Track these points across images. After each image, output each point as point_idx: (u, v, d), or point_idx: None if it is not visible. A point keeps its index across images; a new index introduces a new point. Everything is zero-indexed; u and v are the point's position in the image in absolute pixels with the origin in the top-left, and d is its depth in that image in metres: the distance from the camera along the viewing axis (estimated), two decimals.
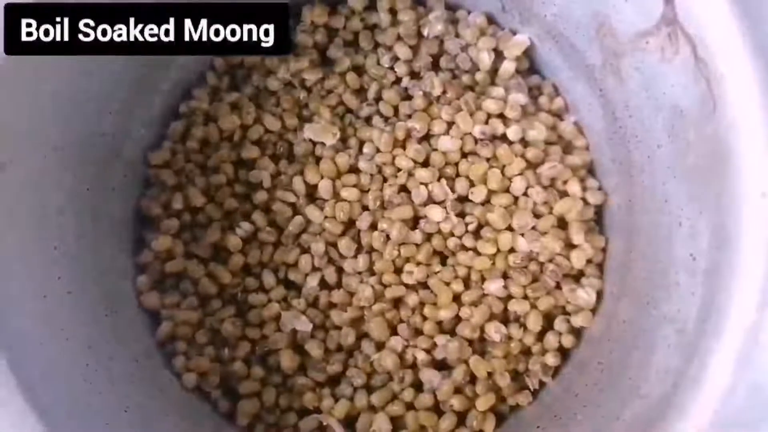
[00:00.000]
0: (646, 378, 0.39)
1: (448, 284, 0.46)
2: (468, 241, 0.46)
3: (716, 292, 0.35)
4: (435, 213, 0.46)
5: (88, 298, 0.42)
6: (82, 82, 0.41)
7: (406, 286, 0.46)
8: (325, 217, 0.47)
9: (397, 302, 0.47)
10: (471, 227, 0.46)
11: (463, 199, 0.47)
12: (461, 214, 0.47)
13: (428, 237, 0.47)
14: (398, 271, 0.47)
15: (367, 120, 0.49)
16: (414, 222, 0.47)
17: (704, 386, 0.34)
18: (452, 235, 0.47)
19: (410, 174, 0.47)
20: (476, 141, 0.47)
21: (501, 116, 0.47)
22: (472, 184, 0.47)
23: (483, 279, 0.46)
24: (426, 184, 0.47)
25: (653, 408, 0.37)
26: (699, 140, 0.37)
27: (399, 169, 0.47)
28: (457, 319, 0.46)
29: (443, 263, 0.47)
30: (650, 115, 0.41)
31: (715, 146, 0.36)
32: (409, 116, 0.48)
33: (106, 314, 0.43)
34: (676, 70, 0.38)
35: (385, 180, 0.48)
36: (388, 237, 0.46)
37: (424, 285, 0.46)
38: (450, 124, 0.47)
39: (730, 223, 0.35)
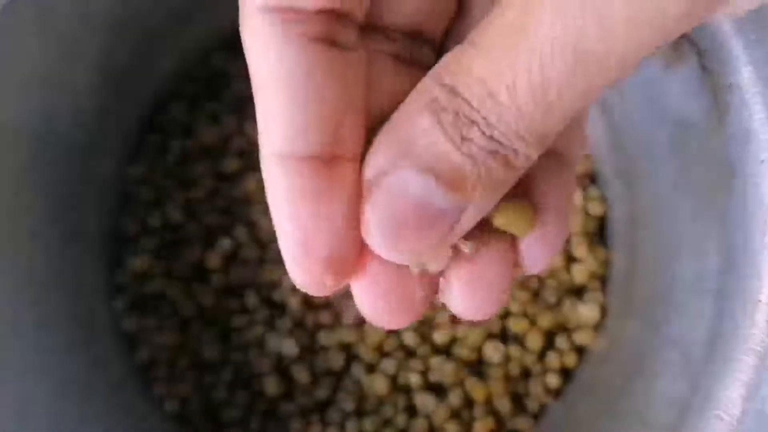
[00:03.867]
0: (651, 404, 0.37)
1: (445, 305, 0.44)
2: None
3: (724, 315, 0.33)
4: None
5: (63, 324, 0.40)
6: (52, 96, 0.39)
7: None
8: None
9: None
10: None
11: None
12: None
13: None
14: None
15: None
16: None
17: (711, 416, 0.32)
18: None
19: None
20: None
21: None
22: None
23: None
24: None
25: None
26: (704, 154, 0.35)
27: None
28: (453, 338, 0.44)
29: None
30: (652, 125, 0.39)
31: (720, 160, 0.33)
32: None
33: (82, 340, 0.41)
34: (681, 79, 0.35)
35: None
36: None
37: None
38: None
39: (737, 242, 0.33)
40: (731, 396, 0.31)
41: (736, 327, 0.32)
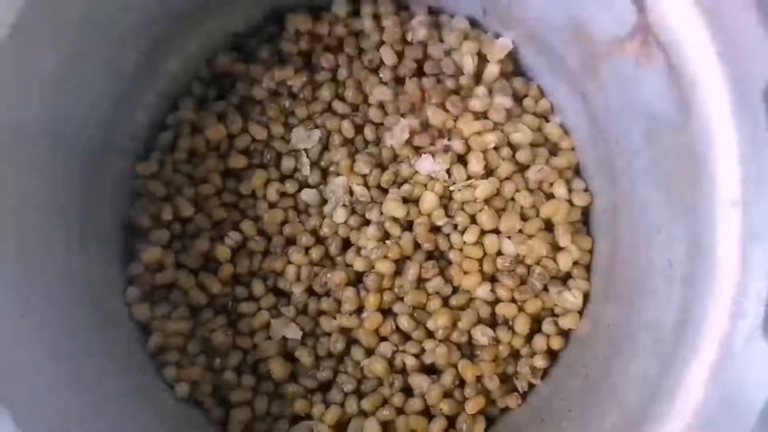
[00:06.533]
0: (626, 385, 0.39)
1: (438, 292, 0.47)
2: (456, 239, 0.47)
3: (691, 301, 0.35)
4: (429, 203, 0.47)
5: (77, 314, 0.42)
6: (66, 98, 0.41)
7: (397, 296, 0.47)
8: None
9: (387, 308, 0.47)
10: (460, 227, 0.47)
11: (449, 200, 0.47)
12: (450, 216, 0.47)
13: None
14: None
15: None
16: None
17: (678, 397, 0.34)
18: (441, 232, 0.47)
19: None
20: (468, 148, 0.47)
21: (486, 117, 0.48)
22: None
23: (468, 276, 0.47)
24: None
25: (632, 417, 0.37)
26: (674, 147, 0.37)
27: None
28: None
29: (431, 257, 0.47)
30: (628, 120, 0.41)
31: (688, 154, 0.36)
32: (402, 115, 0.48)
33: (96, 329, 0.43)
34: (651, 76, 0.38)
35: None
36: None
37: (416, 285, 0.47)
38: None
39: (703, 231, 0.35)
40: (696, 378, 0.34)
41: (702, 313, 0.34)
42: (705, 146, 0.34)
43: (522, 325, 0.46)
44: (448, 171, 0.47)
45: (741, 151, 0.33)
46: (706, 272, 0.34)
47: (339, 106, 0.49)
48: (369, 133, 0.49)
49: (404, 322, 0.46)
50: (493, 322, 0.47)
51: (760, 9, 0.33)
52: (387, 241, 0.47)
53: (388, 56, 0.49)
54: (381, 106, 0.49)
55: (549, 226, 0.47)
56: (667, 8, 0.35)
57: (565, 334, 0.46)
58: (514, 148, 0.47)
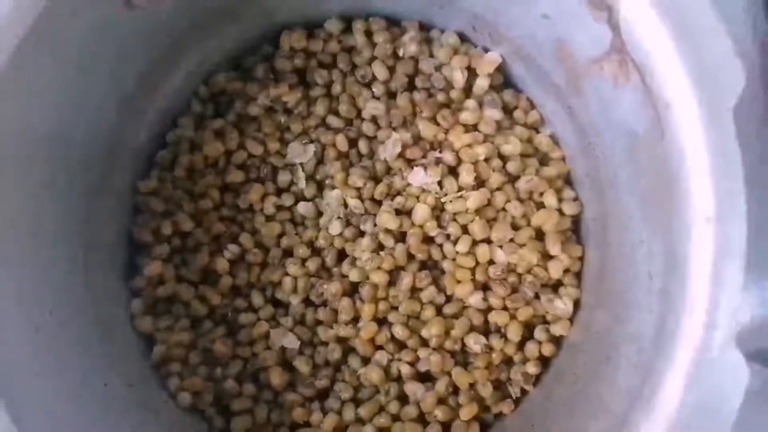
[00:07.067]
0: (612, 393, 0.40)
1: (431, 302, 0.48)
2: (448, 249, 0.48)
3: (668, 313, 0.36)
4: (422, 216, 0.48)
5: (82, 327, 0.43)
6: (69, 116, 0.43)
7: (392, 306, 0.48)
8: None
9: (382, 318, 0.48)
10: (452, 237, 0.48)
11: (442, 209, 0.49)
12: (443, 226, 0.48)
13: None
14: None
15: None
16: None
17: (655, 406, 0.35)
18: (434, 242, 0.49)
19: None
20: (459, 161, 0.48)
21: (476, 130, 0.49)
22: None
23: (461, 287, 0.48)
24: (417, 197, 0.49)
25: (616, 425, 0.38)
26: (651, 164, 0.38)
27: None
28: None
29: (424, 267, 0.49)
30: (610, 136, 0.42)
31: (664, 170, 0.37)
32: (395, 129, 0.50)
33: (99, 341, 0.44)
34: (628, 95, 0.39)
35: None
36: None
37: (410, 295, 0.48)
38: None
39: (678, 245, 0.36)
40: (672, 387, 0.35)
41: (678, 324, 0.35)
42: (679, 163, 0.35)
43: (514, 333, 0.47)
44: (439, 183, 0.48)
45: (713, 169, 0.34)
46: (680, 285, 0.35)
47: (333, 121, 0.50)
48: (363, 146, 0.50)
49: (399, 331, 0.47)
50: (485, 330, 0.48)
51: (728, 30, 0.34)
52: (381, 252, 0.48)
53: (380, 71, 0.50)
54: (374, 120, 0.50)
55: (540, 235, 0.48)
56: (640, 29, 0.36)
57: (557, 340, 0.47)
58: (504, 159, 0.48)
